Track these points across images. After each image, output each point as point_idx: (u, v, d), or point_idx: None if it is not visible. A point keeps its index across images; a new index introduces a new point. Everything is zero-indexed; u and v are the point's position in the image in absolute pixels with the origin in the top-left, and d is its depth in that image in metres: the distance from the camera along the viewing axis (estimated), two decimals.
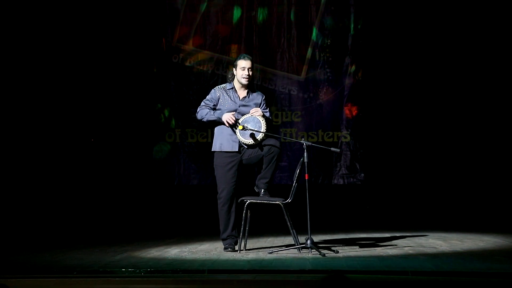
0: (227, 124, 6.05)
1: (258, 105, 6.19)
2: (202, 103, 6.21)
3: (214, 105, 6.16)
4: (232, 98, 6.16)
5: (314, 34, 9.77)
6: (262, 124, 6.00)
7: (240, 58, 6.19)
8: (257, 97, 6.25)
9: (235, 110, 6.11)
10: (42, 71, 9.45)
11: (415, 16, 9.53)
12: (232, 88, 6.20)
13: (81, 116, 9.62)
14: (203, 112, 6.15)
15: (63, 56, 9.52)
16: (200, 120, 6.21)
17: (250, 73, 6.13)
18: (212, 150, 6.19)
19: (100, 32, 9.63)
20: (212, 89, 6.26)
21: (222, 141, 6.11)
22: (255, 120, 6.03)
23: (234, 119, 6.02)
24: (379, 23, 9.65)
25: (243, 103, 6.16)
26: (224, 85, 6.28)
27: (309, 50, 9.77)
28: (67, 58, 9.54)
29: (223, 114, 6.06)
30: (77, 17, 9.57)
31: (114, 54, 9.65)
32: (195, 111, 6.29)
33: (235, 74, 6.19)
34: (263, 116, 6.06)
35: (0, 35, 9.24)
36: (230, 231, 6.08)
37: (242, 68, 6.12)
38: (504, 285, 4.44)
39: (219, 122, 6.11)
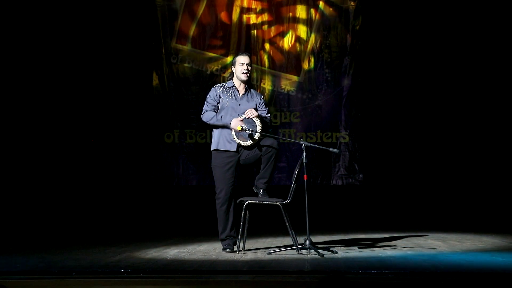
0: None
1: (257, 104, 6.20)
2: (206, 106, 6.17)
3: (217, 103, 6.15)
4: (232, 96, 6.16)
5: (312, 34, 9.78)
6: (257, 124, 6.00)
7: (238, 55, 6.24)
8: (256, 96, 6.26)
9: (235, 109, 6.11)
10: (41, 73, 9.46)
11: (414, 17, 9.54)
12: (232, 86, 6.21)
13: (81, 117, 9.63)
14: (209, 115, 6.10)
15: (63, 57, 9.54)
16: (205, 122, 6.19)
17: (250, 68, 6.14)
18: (211, 149, 6.18)
19: (99, 33, 9.64)
20: (212, 88, 6.25)
21: (221, 140, 6.10)
22: (250, 121, 6.02)
23: (243, 127, 5.99)
24: (378, 23, 9.66)
25: (243, 100, 6.17)
26: (224, 83, 6.29)
27: (308, 51, 9.77)
28: (67, 59, 9.55)
29: (231, 121, 6.04)
30: (77, 17, 9.58)
31: (113, 55, 9.66)
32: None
33: (234, 72, 6.20)
34: (258, 116, 6.06)
35: (2, 36, 9.25)
36: (228, 231, 6.08)
37: (241, 64, 6.13)
38: (503, 285, 4.44)
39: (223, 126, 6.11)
